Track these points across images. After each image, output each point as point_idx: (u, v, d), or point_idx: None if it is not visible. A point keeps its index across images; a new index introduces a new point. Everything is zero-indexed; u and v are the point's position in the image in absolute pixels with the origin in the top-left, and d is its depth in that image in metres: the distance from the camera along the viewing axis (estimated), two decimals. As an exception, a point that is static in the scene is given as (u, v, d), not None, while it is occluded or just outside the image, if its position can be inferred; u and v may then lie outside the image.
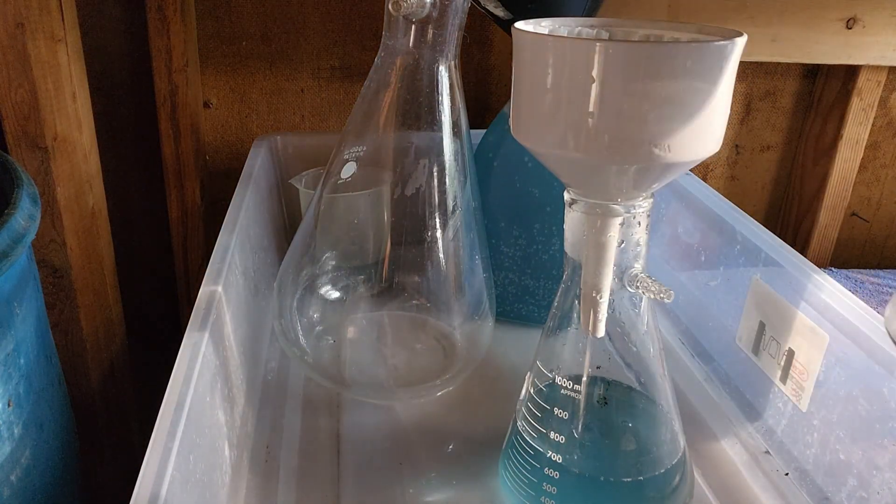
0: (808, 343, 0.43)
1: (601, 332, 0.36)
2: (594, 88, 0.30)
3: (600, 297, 0.36)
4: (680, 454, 0.39)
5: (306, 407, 0.49)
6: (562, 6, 0.50)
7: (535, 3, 0.50)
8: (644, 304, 0.37)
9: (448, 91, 0.47)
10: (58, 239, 0.62)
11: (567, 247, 0.37)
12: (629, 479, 0.38)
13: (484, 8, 0.51)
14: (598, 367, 0.38)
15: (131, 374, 0.76)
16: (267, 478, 0.43)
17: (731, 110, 0.33)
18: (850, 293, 0.43)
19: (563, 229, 0.37)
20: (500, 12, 0.51)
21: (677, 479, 0.39)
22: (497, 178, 0.56)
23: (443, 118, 0.47)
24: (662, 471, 0.38)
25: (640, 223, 0.35)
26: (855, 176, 0.83)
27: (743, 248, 0.51)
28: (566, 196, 0.36)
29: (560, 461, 0.38)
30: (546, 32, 0.35)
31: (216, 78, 0.75)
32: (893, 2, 0.74)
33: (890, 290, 0.71)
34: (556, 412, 0.38)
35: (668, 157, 0.31)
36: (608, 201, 0.34)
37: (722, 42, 0.30)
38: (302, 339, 0.50)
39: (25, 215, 0.41)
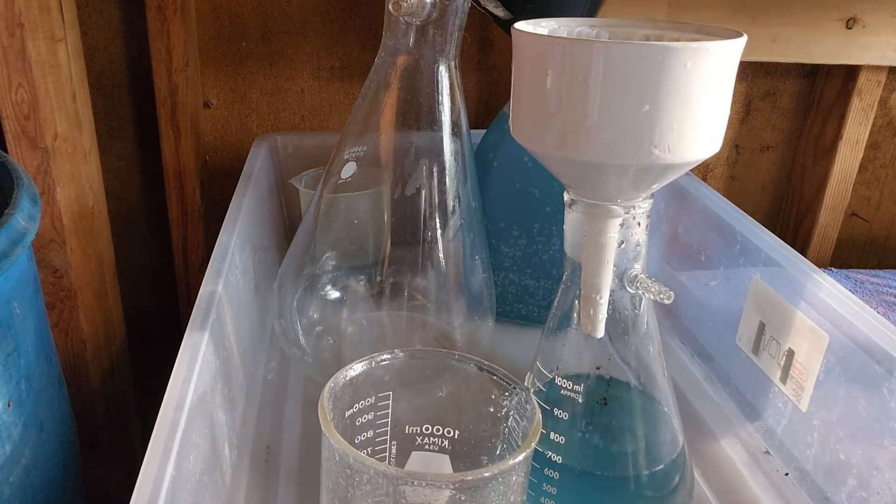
0: (808, 343, 0.43)
1: (601, 333, 0.36)
2: (594, 89, 0.30)
3: (600, 298, 0.36)
4: (680, 454, 0.39)
5: (306, 407, 0.49)
6: (562, 6, 0.50)
7: (535, 3, 0.50)
8: (644, 304, 0.37)
9: (448, 91, 0.47)
10: (58, 239, 0.62)
11: (567, 247, 0.37)
12: (629, 480, 0.38)
13: (484, 8, 0.51)
14: (597, 368, 0.38)
15: (131, 374, 0.76)
16: (267, 478, 0.43)
17: (731, 110, 0.33)
18: (850, 293, 0.43)
19: (563, 229, 0.37)
20: (500, 12, 0.51)
21: (677, 479, 0.39)
22: (497, 178, 0.56)
23: (443, 118, 0.47)
24: (662, 471, 0.38)
25: (639, 224, 0.35)
26: (855, 176, 0.83)
27: (743, 248, 0.51)
28: (566, 197, 0.36)
29: (560, 461, 0.38)
30: (546, 33, 0.35)
31: (216, 78, 0.75)
32: (893, 2, 0.74)
33: (890, 290, 0.71)
34: (555, 412, 0.38)
35: (668, 157, 0.31)
36: (608, 202, 0.34)
37: (722, 42, 0.30)
38: (302, 339, 0.50)
39: (25, 215, 0.41)
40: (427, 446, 0.37)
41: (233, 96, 0.76)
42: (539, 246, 0.56)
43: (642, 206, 0.35)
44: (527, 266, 0.57)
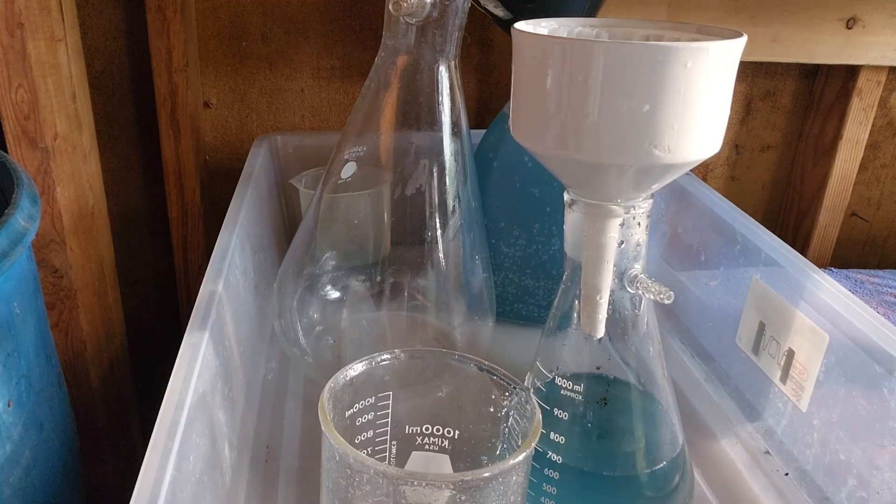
0: (808, 343, 0.43)
1: (601, 333, 0.36)
2: (594, 89, 0.30)
3: (600, 298, 0.36)
4: (680, 454, 0.39)
5: (306, 407, 0.49)
6: (562, 6, 0.50)
7: (535, 3, 0.50)
8: (644, 304, 0.37)
9: (448, 91, 0.47)
10: (58, 239, 0.62)
11: (567, 247, 0.37)
12: (629, 480, 0.38)
13: (484, 8, 0.51)
14: (597, 368, 0.38)
15: (131, 374, 0.76)
16: (267, 478, 0.43)
17: (731, 110, 0.33)
18: (850, 293, 0.43)
19: (563, 229, 0.37)
20: (500, 12, 0.51)
21: (677, 479, 0.39)
22: (497, 178, 0.56)
23: (443, 118, 0.47)
24: (662, 471, 0.38)
25: (639, 224, 0.35)
26: (855, 176, 0.83)
27: (743, 248, 0.51)
28: (566, 197, 0.36)
29: (560, 461, 0.38)
30: (546, 33, 0.35)
31: (216, 78, 0.75)
32: (893, 2, 0.74)
33: (890, 290, 0.71)
34: (555, 412, 0.38)
35: (668, 157, 0.31)
36: (608, 202, 0.34)
37: (722, 42, 0.30)
38: (302, 339, 0.50)
39: (25, 215, 0.41)
40: (427, 446, 0.37)
41: (233, 96, 0.76)
42: (539, 246, 0.56)
43: (642, 206, 0.34)
44: (527, 266, 0.57)
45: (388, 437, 0.36)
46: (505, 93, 0.79)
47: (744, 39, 0.31)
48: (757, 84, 0.83)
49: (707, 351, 0.55)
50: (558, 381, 0.38)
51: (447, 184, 0.48)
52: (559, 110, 0.31)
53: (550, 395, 0.38)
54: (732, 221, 0.53)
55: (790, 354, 0.45)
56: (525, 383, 0.41)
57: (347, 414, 0.34)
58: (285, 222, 0.70)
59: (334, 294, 0.52)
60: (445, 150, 0.48)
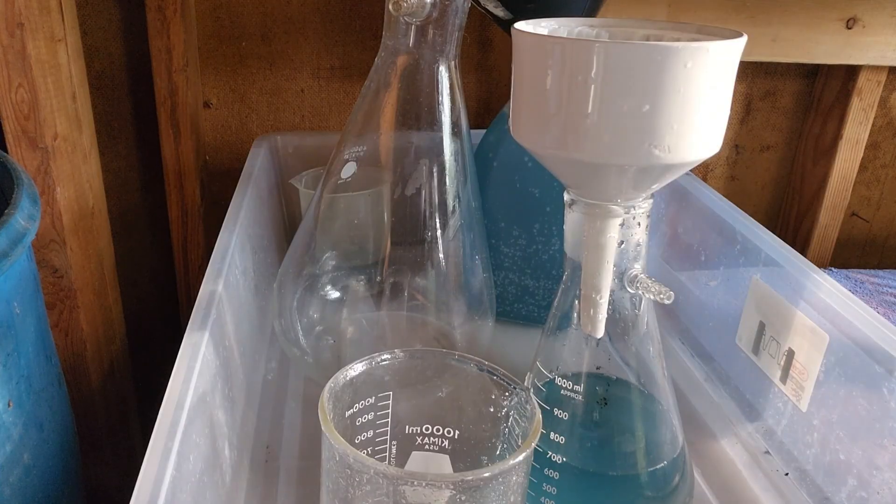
0: (808, 343, 0.43)
1: (601, 333, 0.36)
2: (594, 89, 0.30)
3: (600, 298, 0.36)
4: (680, 454, 0.39)
5: (306, 407, 0.49)
6: (561, 6, 0.50)
7: (535, 3, 0.50)
8: (644, 304, 0.37)
9: (448, 91, 0.47)
10: (58, 239, 0.62)
11: (567, 247, 0.37)
12: (629, 480, 0.38)
13: (484, 8, 0.51)
14: (597, 368, 0.38)
15: (131, 374, 0.76)
16: (267, 478, 0.43)
17: (731, 110, 0.33)
18: (850, 293, 0.43)
19: (563, 229, 0.37)
20: (500, 12, 0.51)
21: (677, 479, 0.39)
22: (497, 178, 0.56)
23: (443, 118, 0.47)
24: (662, 471, 0.38)
25: (639, 224, 0.35)
26: (855, 176, 0.83)
27: (743, 248, 0.51)
28: (566, 197, 0.36)
29: (560, 461, 0.38)
30: (546, 33, 0.35)
31: (216, 78, 0.75)
32: (893, 2, 0.74)
33: (890, 290, 0.71)
34: (555, 412, 0.38)
35: (668, 157, 0.31)
36: (608, 202, 0.34)
37: (722, 42, 0.30)
38: (302, 339, 0.50)
39: (25, 215, 0.41)
40: (427, 446, 0.37)
41: (233, 96, 0.76)
42: (539, 246, 0.56)
43: (642, 206, 0.34)
44: (527, 266, 0.57)
45: (388, 437, 0.36)
46: (505, 93, 0.79)
47: (744, 39, 0.31)
48: (757, 84, 0.83)
49: (707, 351, 0.56)
50: (558, 381, 0.38)
51: (447, 184, 0.48)
52: (559, 110, 0.31)
53: (550, 395, 0.38)
54: (732, 221, 0.53)
55: (790, 354, 0.45)
56: (525, 383, 0.41)
57: (347, 414, 0.34)
58: (285, 222, 0.70)
59: (334, 294, 0.52)
60: (445, 150, 0.48)
